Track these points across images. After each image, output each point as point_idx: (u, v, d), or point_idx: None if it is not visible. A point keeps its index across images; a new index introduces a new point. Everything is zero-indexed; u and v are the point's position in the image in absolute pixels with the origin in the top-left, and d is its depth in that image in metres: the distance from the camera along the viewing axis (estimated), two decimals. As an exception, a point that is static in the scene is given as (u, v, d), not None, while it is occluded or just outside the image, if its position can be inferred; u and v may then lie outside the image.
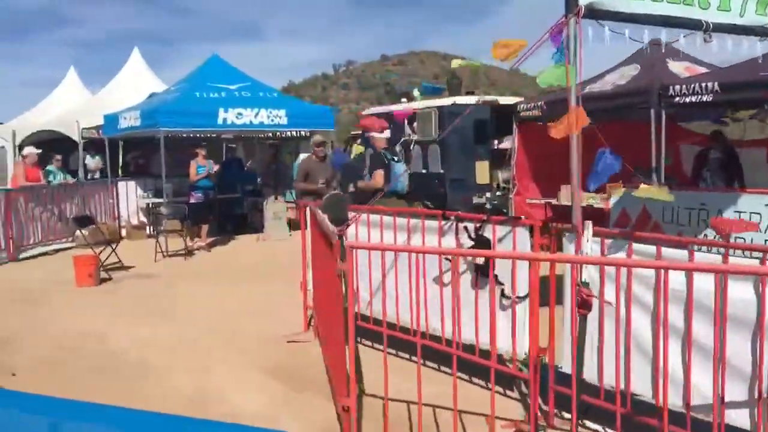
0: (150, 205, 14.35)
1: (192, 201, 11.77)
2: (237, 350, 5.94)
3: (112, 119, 13.58)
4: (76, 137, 21.12)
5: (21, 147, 25.26)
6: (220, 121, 11.94)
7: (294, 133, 21.56)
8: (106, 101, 22.87)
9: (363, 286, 5.63)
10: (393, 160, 8.19)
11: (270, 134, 20.36)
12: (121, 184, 14.41)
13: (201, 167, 11.72)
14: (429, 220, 5.19)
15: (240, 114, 12.09)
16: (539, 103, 11.39)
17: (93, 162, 19.26)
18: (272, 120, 12.40)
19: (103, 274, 9.68)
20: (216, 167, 12.04)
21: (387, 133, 8.80)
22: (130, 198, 14.51)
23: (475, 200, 14.66)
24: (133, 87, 23.31)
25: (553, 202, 11.31)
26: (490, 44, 4.28)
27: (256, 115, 12.25)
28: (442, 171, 14.50)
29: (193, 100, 12.10)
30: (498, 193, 14.98)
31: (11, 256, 11.41)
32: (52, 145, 21.06)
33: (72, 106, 25.86)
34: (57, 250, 12.48)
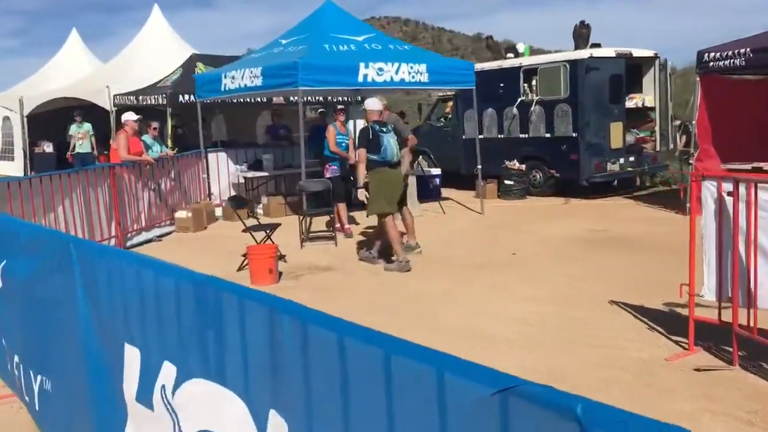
0: (248, 180, 12.40)
1: (328, 175, 9.89)
2: (681, 389, 4.21)
3: (209, 79, 11.54)
4: (104, 104, 18.97)
5: (29, 117, 23.00)
6: (360, 78, 10.02)
7: (345, 97, 19.78)
8: (136, 66, 20.67)
9: None
10: (382, 131, 7.65)
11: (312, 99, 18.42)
12: (211, 157, 12.39)
13: (342, 136, 9.82)
14: None
15: (381, 70, 10.18)
16: (742, 50, 9.71)
17: (80, 131, 17.12)
18: (413, 77, 10.51)
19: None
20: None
21: (378, 104, 8.05)
22: (222, 172, 12.53)
23: (610, 167, 13.06)
24: (158, 50, 21.11)
25: (765, 167, 9.70)
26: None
27: (397, 71, 10.34)
28: (574, 134, 12.75)
29: (329, 55, 10.14)
30: (631, 158, 13.40)
31: (120, 245, 9.45)
32: (68, 113, 18.78)
33: (87, 72, 23.52)
34: (160, 236, 10.54)
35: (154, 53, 20.58)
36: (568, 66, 12.82)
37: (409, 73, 10.46)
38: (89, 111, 20.49)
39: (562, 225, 10.17)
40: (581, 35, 13.27)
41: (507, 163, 13.61)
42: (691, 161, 10.64)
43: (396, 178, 7.93)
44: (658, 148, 13.87)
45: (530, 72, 13.56)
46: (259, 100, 16.32)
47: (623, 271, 7.27)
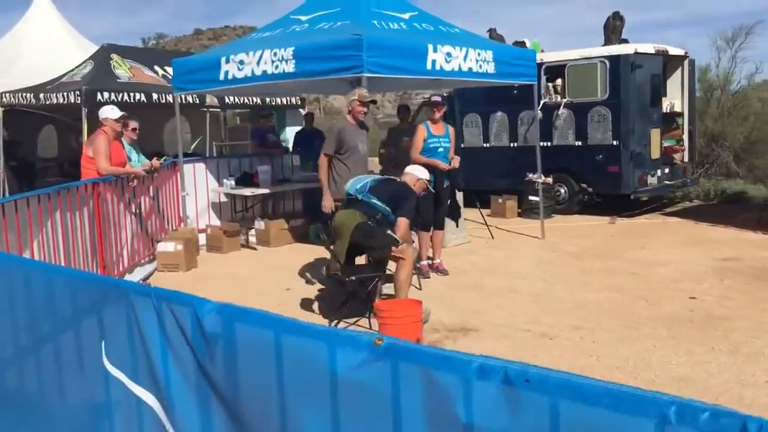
0: (235, 199, 9.59)
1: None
2: None
3: (198, 65, 8.60)
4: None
5: None
6: (429, 64, 7.60)
7: (283, 100, 17.32)
8: (20, 60, 17.22)
9: None
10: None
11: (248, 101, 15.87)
12: (187, 168, 9.43)
13: (437, 138, 7.33)
14: None
15: (449, 55, 7.81)
16: None
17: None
18: (480, 66, 8.22)
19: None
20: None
21: None
22: (200, 188, 9.61)
23: (650, 180, 11.40)
24: (47, 42, 17.75)
25: None
26: None
27: (465, 57, 8.02)
28: (614, 142, 10.98)
29: (388, 34, 7.65)
30: (666, 170, 11.83)
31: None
32: None
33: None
34: (145, 279, 7.58)
35: (43, 46, 17.05)
36: (607, 63, 11.01)
37: (477, 61, 8.18)
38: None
39: (668, 252, 8.25)
40: (615, 28, 11.55)
41: (531, 175, 11.58)
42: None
43: (340, 219, 5.66)
44: (686, 159, 12.41)
45: (555, 69, 11.66)
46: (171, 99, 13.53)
47: None
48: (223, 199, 9.76)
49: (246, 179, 9.57)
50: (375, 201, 5.53)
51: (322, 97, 46.77)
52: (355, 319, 5.66)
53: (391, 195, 5.62)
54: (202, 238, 9.13)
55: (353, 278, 5.45)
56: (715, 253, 8.06)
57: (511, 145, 12.28)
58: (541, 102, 11.69)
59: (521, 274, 7.40)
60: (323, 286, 6.92)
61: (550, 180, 11.74)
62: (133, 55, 15.41)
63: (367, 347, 1.48)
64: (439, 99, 7.47)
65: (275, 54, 7.62)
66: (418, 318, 4.88)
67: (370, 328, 5.62)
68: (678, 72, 12.26)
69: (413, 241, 6.39)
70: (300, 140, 11.30)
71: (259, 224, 9.40)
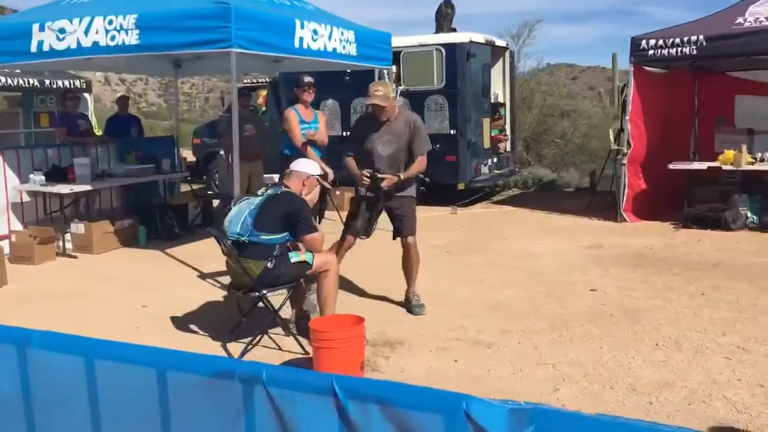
0: (45, 197, 7.94)
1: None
2: None
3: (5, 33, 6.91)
4: None
5: None
6: (296, 42, 6.74)
7: (65, 82, 15.57)
8: None
9: None
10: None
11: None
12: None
13: (307, 124, 6.43)
14: None
15: (315, 33, 7.00)
16: (694, 38, 8.71)
17: None
18: (344, 47, 7.51)
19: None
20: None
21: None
22: (-4, 185, 7.83)
23: (483, 170, 11.47)
24: None
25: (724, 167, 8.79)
26: None
27: (330, 36, 7.26)
28: (452, 132, 10.89)
29: (258, 5, 6.64)
30: (495, 160, 11.96)
31: None
32: None
33: None
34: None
35: None
36: (443, 51, 10.81)
37: (340, 41, 7.49)
38: None
39: (533, 243, 8.17)
40: (446, 16, 11.38)
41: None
42: (624, 162, 9.45)
43: (236, 278, 4.75)
44: (509, 149, 12.66)
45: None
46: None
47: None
48: (26, 198, 8.06)
49: (57, 174, 7.97)
50: (264, 237, 4.44)
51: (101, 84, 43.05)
52: (255, 340, 4.72)
53: (282, 219, 4.50)
54: (3, 247, 7.41)
55: (264, 292, 4.49)
56: (576, 242, 8.11)
57: (344, 134, 11.67)
58: (376, 89, 11.23)
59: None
60: (193, 299, 5.81)
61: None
62: None
63: None
64: (311, 79, 6.61)
65: (110, 22, 6.31)
66: (361, 338, 4.10)
67: (280, 348, 4.74)
68: (500, 63, 12.44)
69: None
70: (112, 127, 9.75)
71: (77, 227, 7.87)
